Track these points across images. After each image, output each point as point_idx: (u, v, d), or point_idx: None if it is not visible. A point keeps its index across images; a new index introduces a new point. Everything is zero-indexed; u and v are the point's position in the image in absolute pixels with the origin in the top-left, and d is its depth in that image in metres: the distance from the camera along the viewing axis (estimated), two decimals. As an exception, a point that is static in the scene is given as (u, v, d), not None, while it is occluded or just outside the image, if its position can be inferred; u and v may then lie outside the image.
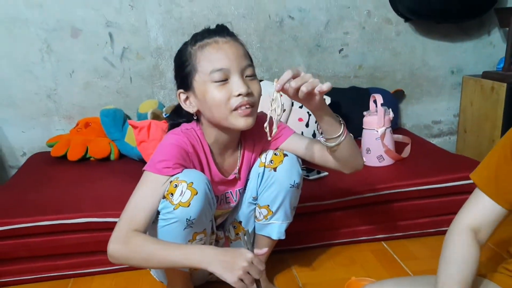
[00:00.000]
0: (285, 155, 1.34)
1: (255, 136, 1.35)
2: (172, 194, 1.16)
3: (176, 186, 1.16)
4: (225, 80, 1.16)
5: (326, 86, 1.06)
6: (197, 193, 1.16)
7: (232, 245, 1.48)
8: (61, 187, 1.81)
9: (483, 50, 2.53)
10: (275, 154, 1.35)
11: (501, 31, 2.51)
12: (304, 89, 1.05)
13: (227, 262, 1.06)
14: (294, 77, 1.07)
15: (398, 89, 2.48)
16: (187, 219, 1.17)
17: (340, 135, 1.20)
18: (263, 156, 1.37)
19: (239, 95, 1.16)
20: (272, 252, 1.49)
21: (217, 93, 1.16)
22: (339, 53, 2.41)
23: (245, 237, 1.19)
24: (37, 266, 1.61)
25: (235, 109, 1.17)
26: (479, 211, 1.07)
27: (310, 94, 1.08)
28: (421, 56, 2.49)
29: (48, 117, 2.27)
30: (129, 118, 2.23)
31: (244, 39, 1.27)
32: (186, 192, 1.15)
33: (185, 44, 1.23)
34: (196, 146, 1.26)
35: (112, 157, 2.12)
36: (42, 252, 1.59)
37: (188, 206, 1.16)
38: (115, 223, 1.45)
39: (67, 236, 1.58)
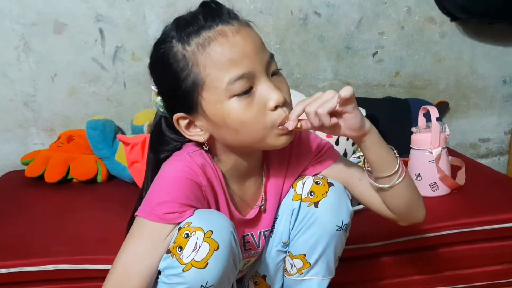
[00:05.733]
0: (330, 184, 1.05)
1: (288, 156, 1.07)
2: (181, 247, 0.84)
3: (187, 236, 0.85)
4: (250, 90, 0.87)
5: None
6: (218, 247, 0.85)
7: (251, 306, 1.17)
8: (31, 220, 1.53)
9: (541, 57, 2.30)
10: (316, 182, 1.05)
11: (563, 35, 2.27)
12: (320, 110, 0.87)
13: None
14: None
15: (441, 101, 2.25)
16: (201, 285, 0.85)
17: (394, 173, 0.96)
18: (298, 185, 1.07)
19: (276, 107, 0.88)
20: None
21: (245, 111, 0.87)
22: (373, 57, 2.20)
23: None
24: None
25: (277, 126, 0.90)
26: None
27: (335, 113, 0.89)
28: (468, 62, 2.27)
29: (24, 129, 2.05)
30: (122, 131, 2.03)
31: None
32: (203, 245, 0.84)
33: (167, 40, 0.89)
34: (210, 174, 0.96)
35: (99, 178, 1.87)
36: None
37: (205, 267, 0.84)
38: (94, 271, 1.26)
39: (33, 288, 1.29)
